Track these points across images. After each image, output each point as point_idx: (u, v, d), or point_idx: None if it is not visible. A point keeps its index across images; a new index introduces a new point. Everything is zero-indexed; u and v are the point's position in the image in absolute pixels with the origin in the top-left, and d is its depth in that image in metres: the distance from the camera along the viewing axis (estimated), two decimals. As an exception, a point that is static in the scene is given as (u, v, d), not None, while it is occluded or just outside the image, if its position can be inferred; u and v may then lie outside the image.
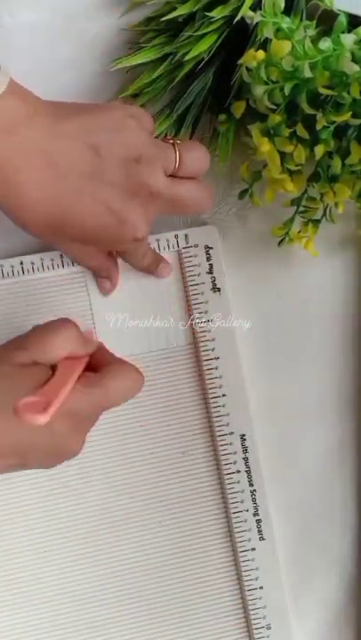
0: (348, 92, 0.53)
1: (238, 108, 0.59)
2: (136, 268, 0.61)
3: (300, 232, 0.61)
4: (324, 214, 0.61)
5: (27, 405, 0.45)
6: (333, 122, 0.54)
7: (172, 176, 0.56)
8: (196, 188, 0.57)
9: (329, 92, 0.53)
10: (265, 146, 0.55)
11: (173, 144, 0.56)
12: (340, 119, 0.53)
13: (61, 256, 0.61)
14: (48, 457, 0.52)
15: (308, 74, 0.53)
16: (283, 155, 0.57)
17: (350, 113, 0.53)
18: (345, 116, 0.53)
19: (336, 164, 0.56)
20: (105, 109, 0.54)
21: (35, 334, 0.52)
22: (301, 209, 0.60)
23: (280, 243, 0.61)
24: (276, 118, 0.55)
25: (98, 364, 0.54)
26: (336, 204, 0.59)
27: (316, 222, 0.61)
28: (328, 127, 0.54)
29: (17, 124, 0.50)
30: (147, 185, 0.53)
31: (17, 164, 0.51)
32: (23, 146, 0.51)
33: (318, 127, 0.54)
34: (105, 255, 0.60)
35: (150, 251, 0.61)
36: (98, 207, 0.53)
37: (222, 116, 0.60)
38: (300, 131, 0.55)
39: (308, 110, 0.54)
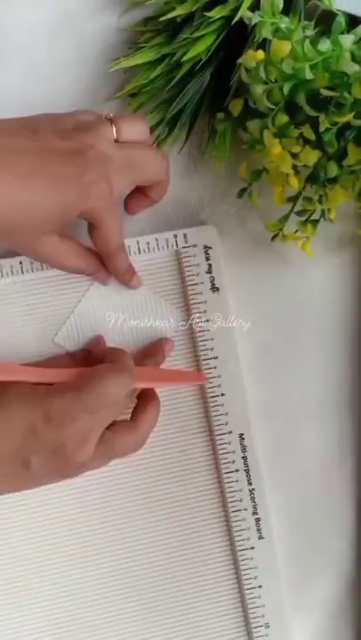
0: (350, 93, 0.53)
1: (236, 106, 0.59)
2: (116, 270, 0.60)
3: (297, 232, 0.61)
4: (323, 214, 0.61)
5: None
6: (336, 123, 0.54)
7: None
8: (150, 153, 0.58)
9: (330, 92, 0.53)
10: (276, 148, 0.55)
11: (107, 118, 0.57)
12: (342, 120, 0.53)
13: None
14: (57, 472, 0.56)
15: (309, 76, 0.53)
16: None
17: (353, 113, 0.53)
18: (347, 117, 0.53)
19: (332, 168, 0.56)
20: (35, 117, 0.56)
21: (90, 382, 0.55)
22: (298, 208, 0.60)
23: (273, 238, 0.61)
24: (283, 118, 0.55)
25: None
26: (329, 210, 0.59)
27: (315, 222, 0.61)
28: (331, 129, 0.54)
29: None
30: (91, 146, 0.54)
31: None
32: None
33: (322, 129, 0.54)
34: (87, 253, 0.59)
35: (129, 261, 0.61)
36: (53, 173, 0.53)
37: (220, 115, 0.60)
38: (308, 132, 0.55)
39: (310, 112, 0.54)
